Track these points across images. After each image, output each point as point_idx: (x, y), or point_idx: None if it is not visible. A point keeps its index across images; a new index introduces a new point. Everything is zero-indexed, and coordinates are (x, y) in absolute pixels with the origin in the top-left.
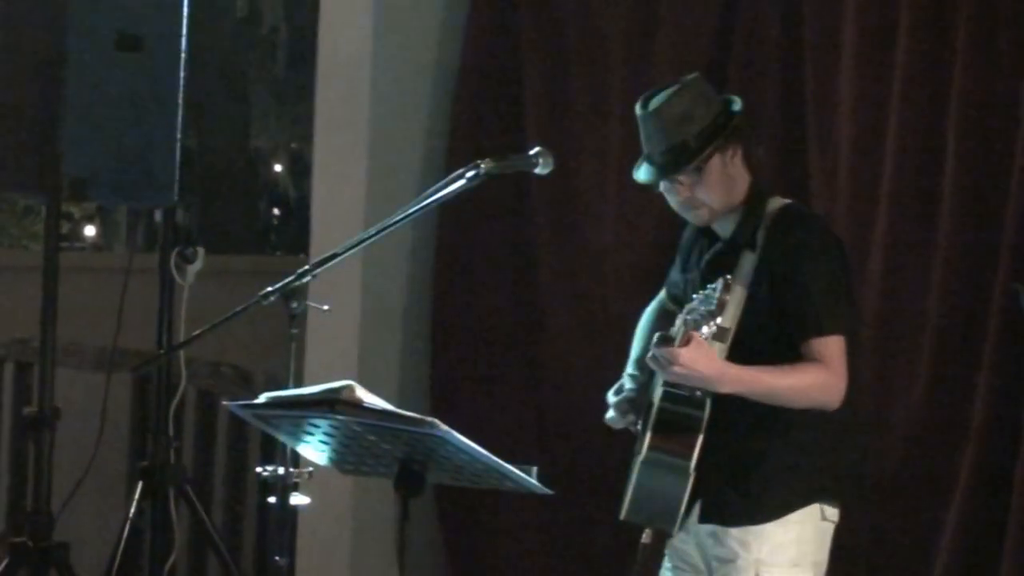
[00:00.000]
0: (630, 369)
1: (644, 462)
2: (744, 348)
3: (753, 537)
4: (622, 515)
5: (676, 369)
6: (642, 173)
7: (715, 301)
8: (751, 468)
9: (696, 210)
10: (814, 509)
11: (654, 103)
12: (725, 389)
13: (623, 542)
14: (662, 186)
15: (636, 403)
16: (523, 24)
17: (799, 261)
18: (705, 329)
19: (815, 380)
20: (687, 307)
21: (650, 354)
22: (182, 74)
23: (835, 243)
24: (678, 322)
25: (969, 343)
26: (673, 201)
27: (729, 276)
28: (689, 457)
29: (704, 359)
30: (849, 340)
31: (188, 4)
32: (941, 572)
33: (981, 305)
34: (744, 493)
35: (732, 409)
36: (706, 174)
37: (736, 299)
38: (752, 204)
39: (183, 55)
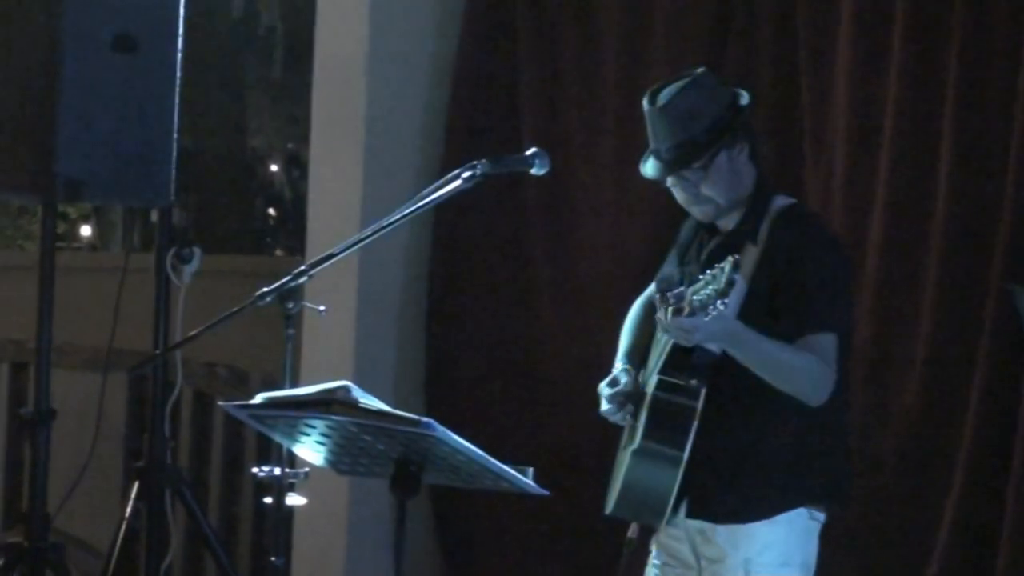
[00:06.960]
0: (620, 363)
1: (636, 451)
2: None
3: (742, 536)
4: (608, 509)
5: (697, 335)
6: (649, 168)
7: (723, 280)
8: (743, 465)
9: (702, 205)
10: (801, 511)
11: (662, 98)
12: (732, 344)
13: (617, 540)
14: (668, 181)
15: (633, 396)
16: (519, 23)
17: (801, 258)
18: (711, 309)
19: (809, 366)
20: (692, 288)
21: (669, 321)
22: (178, 75)
23: (838, 244)
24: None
25: (965, 340)
26: (679, 196)
27: (737, 256)
28: (683, 447)
29: (717, 318)
30: (842, 340)
31: (184, 5)
32: (937, 568)
33: (976, 302)
34: (735, 491)
35: (726, 404)
36: (713, 170)
37: (737, 290)
38: (757, 199)
39: (179, 56)
